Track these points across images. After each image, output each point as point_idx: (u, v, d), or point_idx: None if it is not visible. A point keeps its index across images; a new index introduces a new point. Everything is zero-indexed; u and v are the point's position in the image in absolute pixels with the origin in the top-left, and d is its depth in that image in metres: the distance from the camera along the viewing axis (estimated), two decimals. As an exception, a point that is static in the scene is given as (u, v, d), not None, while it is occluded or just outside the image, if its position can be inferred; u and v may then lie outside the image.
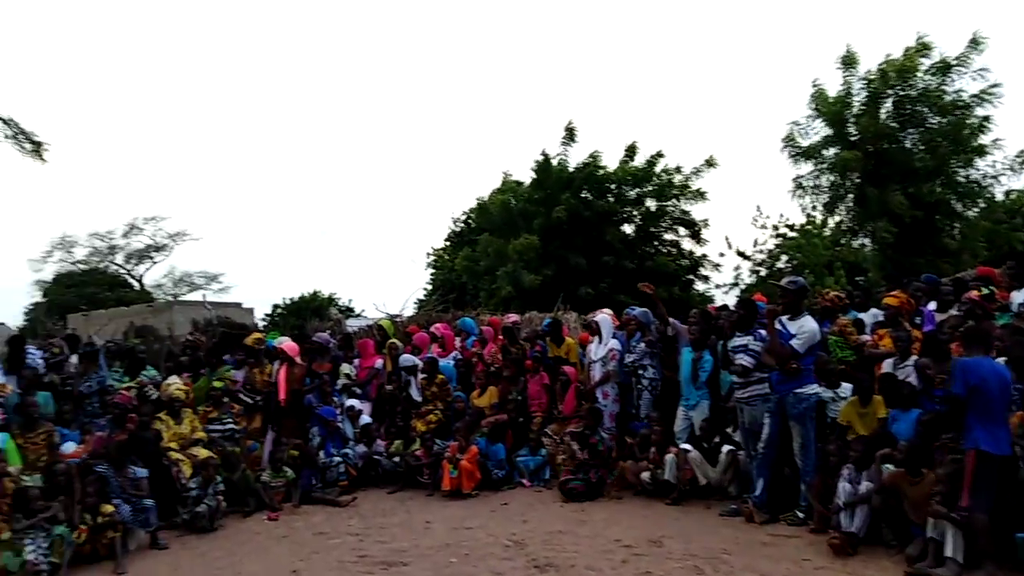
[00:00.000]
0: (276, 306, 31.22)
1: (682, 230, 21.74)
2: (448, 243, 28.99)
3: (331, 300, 33.16)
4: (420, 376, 9.31)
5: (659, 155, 21.17)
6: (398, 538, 6.48)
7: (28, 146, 10.09)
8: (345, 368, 9.70)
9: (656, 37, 77.33)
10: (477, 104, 76.10)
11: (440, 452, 8.26)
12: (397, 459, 8.57)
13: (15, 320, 29.98)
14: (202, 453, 7.59)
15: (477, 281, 21.95)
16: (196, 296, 33.00)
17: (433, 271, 28.65)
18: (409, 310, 14.85)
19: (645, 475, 7.40)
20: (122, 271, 37.42)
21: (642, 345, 8.26)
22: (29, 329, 23.91)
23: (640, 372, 8.20)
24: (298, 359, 8.99)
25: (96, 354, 8.56)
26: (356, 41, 76.26)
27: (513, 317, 10.59)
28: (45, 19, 54.66)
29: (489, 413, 8.81)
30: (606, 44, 75.33)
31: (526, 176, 22.06)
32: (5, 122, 9.89)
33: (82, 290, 32.44)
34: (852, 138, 17.04)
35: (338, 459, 8.37)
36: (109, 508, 6.17)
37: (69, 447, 7.05)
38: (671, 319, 8.40)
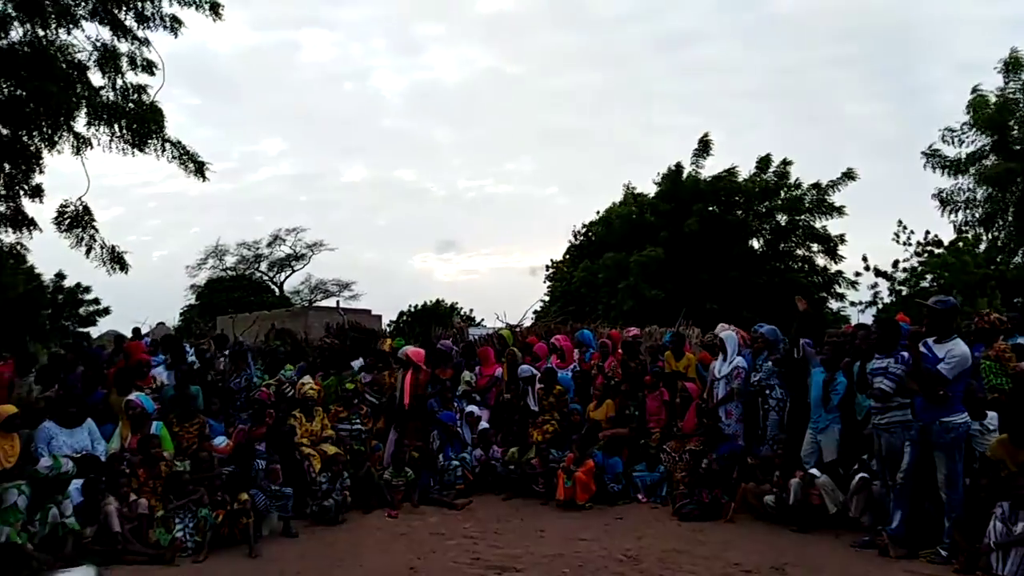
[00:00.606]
0: (402, 313, 32.53)
1: (815, 245, 20.68)
2: (568, 256, 29.08)
3: (453, 309, 34.12)
4: (538, 386, 9.38)
5: (787, 163, 20.28)
6: (511, 544, 6.54)
7: (192, 166, 11.07)
8: (466, 375, 9.94)
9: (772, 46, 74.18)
10: (598, 117, 75.96)
11: (556, 462, 8.27)
12: (512, 466, 8.67)
13: (172, 320, 32.94)
14: (331, 450, 8.02)
15: (596, 293, 21.87)
16: (330, 302, 35.03)
17: (552, 283, 28.82)
18: (528, 321, 14.99)
19: (769, 498, 7.07)
20: (265, 278, 40.30)
21: (769, 364, 7.93)
22: (184, 329, 26.20)
23: (767, 392, 7.87)
24: (422, 365, 9.32)
25: (245, 353, 9.27)
26: (476, 56, 78.29)
27: (633, 331, 10.47)
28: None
29: (605, 426, 8.74)
30: (724, 57, 73.11)
31: (649, 189, 21.81)
32: (173, 144, 10.90)
33: (230, 294, 35.23)
34: (1015, 147, 15.59)
35: (456, 463, 8.58)
36: (244, 496, 6.63)
37: (220, 441, 7.63)
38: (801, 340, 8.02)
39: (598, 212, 24.26)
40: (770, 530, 6.84)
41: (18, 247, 11.76)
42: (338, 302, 34.44)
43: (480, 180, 73.15)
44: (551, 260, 30.33)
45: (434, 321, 24.72)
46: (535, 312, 20.02)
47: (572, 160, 71.34)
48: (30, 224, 11.28)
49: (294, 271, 40.69)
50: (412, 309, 33.07)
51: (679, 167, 20.40)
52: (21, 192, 11.02)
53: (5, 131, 10.27)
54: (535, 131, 77.68)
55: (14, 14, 9.73)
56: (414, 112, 74.14)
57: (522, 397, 9.39)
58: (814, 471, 6.87)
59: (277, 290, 39.76)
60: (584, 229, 28.43)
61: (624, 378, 9.11)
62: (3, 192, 10.86)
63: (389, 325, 28.18)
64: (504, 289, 53.33)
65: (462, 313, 33.67)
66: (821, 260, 20.77)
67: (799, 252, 21.00)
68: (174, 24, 10.74)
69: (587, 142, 72.05)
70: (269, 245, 39.82)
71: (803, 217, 20.38)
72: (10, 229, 11.24)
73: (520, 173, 70.94)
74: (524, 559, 6.07)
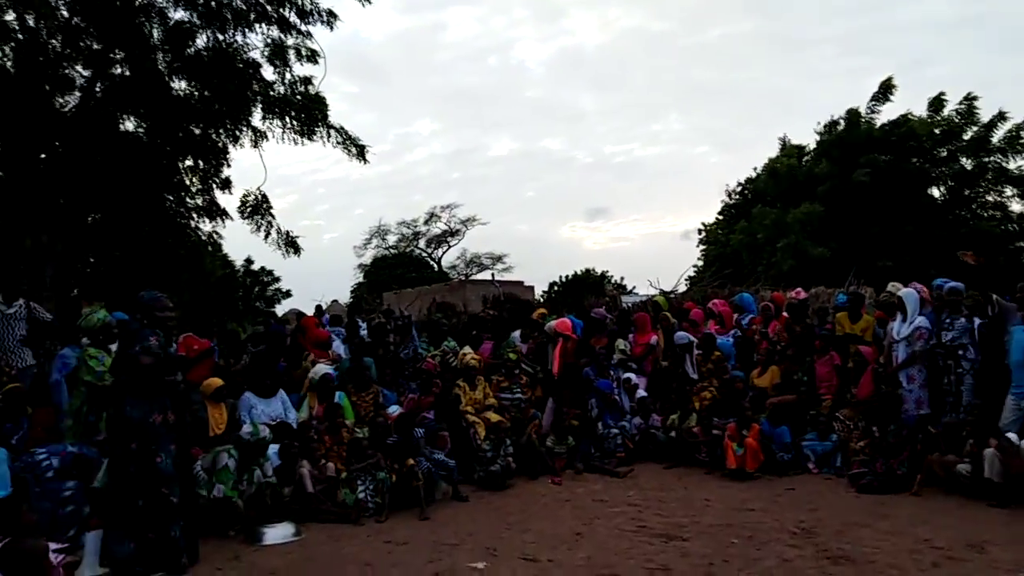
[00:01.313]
0: (553, 284, 32.86)
1: (1008, 189, 18.42)
2: (721, 217, 27.95)
3: (604, 277, 33.99)
4: (696, 353, 9.16)
5: (972, 99, 18.10)
6: (676, 513, 6.49)
7: (354, 150, 11.81)
8: (620, 343, 9.89)
9: None
10: (748, 69, 71.57)
11: (719, 429, 8.07)
12: (673, 433, 8.56)
13: (344, 298, 35.46)
14: (494, 417, 8.32)
15: (755, 255, 20.89)
16: (484, 275, 36.08)
17: (705, 247, 27.86)
18: (681, 287, 14.63)
19: (963, 467, 6.47)
20: (424, 254, 42.21)
21: (962, 321, 7.23)
22: (355, 305, 28.09)
23: (960, 353, 7.18)
24: (570, 334, 9.38)
25: (409, 327, 9.80)
26: (619, 16, 76.10)
27: (799, 292, 9.92)
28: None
29: (771, 394, 8.39)
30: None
31: (807, 140, 20.36)
32: (337, 131, 11.67)
33: (393, 271, 37.29)
34: None
35: (615, 431, 8.61)
36: (410, 461, 7.03)
37: (393, 409, 8.15)
38: (995, 296, 7.22)
39: (755, 168, 23.03)
40: (963, 504, 6.29)
41: (214, 235, 13.15)
42: (493, 274, 35.44)
43: (627, 144, 71.86)
44: (702, 223, 29.33)
45: (585, 290, 24.78)
46: (688, 278, 19.51)
47: (723, 116, 68.23)
48: (223, 214, 12.59)
49: (450, 246, 42.32)
50: (563, 279, 33.31)
51: (855, 114, 18.77)
52: (213, 185, 12.29)
53: (197, 130, 11.44)
54: (683, 89, 74.89)
55: (199, 23, 10.75)
56: (557, 80, 74.03)
57: (680, 364, 9.22)
58: (1011, 435, 6.21)
59: (436, 265, 41.53)
60: (739, 187, 27.18)
61: (790, 343, 8.67)
62: (199, 186, 12.19)
63: (542, 296, 28.59)
64: (655, 255, 52.43)
65: (613, 281, 33.47)
66: (1016, 205, 18.49)
67: (989, 198, 18.81)
68: (330, 18, 11.41)
69: (738, 96, 68.52)
70: (426, 222, 41.65)
71: (993, 159, 18.18)
72: (206, 219, 12.61)
73: (668, 133, 68.91)
74: (690, 528, 6.00)
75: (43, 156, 10.81)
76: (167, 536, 5.12)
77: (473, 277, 37.40)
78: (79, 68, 10.81)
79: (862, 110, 19.43)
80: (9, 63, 10.32)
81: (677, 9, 76.80)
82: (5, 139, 10.46)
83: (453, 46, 75.31)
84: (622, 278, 34.74)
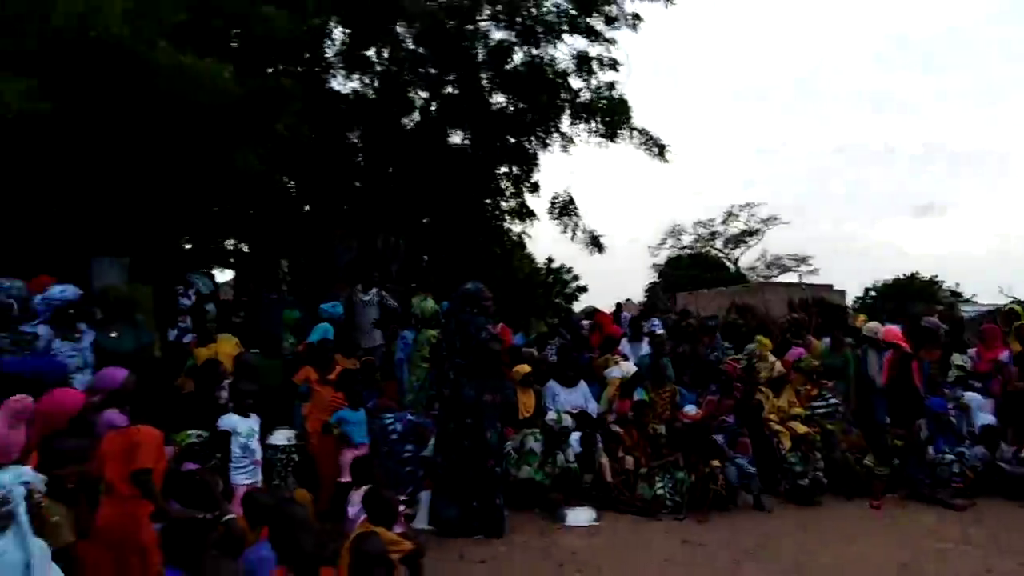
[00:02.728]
0: (868, 289, 29.61)
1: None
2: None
3: (933, 283, 29.70)
4: (1066, 374, 7.57)
5: None
6: (1027, 560, 5.43)
7: (655, 150, 11.97)
8: (957, 359, 8.59)
9: None
10: None
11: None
12: (1031, 469, 7.16)
13: (636, 296, 35.89)
14: (800, 428, 7.74)
15: None
16: (785, 278, 33.78)
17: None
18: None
19: None
20: (720, 255, 40.87)
21: None
22: (649, 304, 28.31)
23: None
24: (903, 343, 8.33)
25: (714, 328, 9.63)
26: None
27: None
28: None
29: None
30: None
31: None
32: (639, 132, 11.94)
33: (688, 272, 36.72)
34: None
35: (951, 457, 7.46)
36: (715, 463, 6.83)
37: (690, 409, 8.05)
38: None
39: None
40: None
41: (523, 235, 14.28)
42: (800, 276, 33.07)
43: (965, 132, 61.82)
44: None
45: (911, 296, 21.95)
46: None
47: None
48: (531, 215, 13.65)
49: (749, 247, 40.37)
50: (880, 284, 29.83)
51: None
52: (524, 189, 13.36)
53: (512, 139, 12.52)
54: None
55: (516, 40, 11.73)
56: (880, 65, 66.32)
57: (1041, 387, 7.68)
58: None
59: (732, 266, 39.98)
60: None
61: None
62: (512, 190, 13.35)
63: (855, 301, 25.96)
64: (1002, 258, 44.08)
65: (945, 288, 29.13)
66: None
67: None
68: (635, 20, 11.64)
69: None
70: (723, 222, 40.24)
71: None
72: (517, 220, 13.77)
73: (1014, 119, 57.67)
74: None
75: (390, 170, 12.68)
76: (492, 504, 5.69)
77: (773, 279, 35.23)
78: (418, 91, 12.46)
79: None
80: (370, 92, 12.31)
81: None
82: (367, 156, 12.50)
83: (751, 34, 71.57)
84: (957, 284, 30.10)
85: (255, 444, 5.39)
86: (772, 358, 8.77)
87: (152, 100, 6.14)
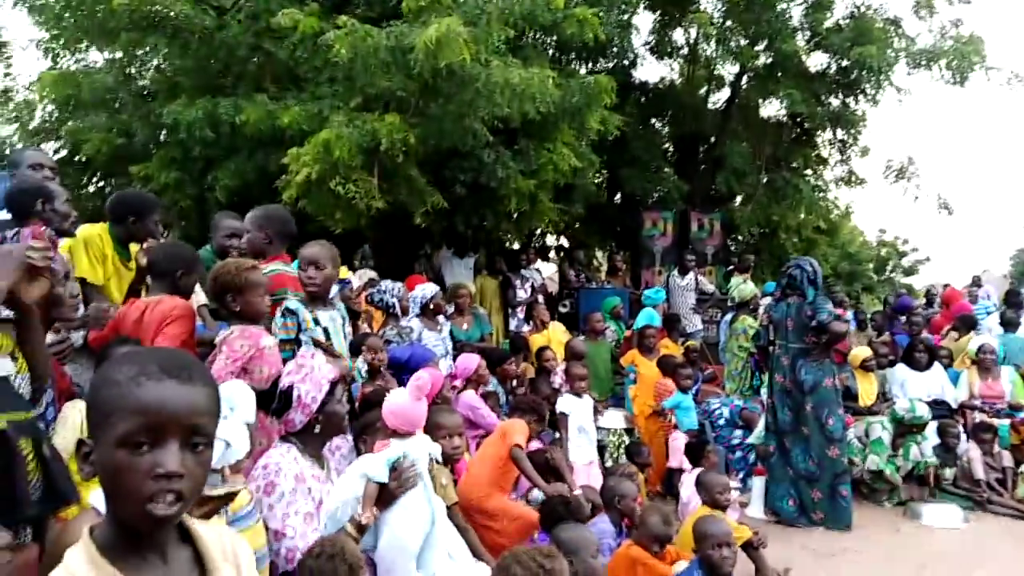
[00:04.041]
0: None
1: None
2: None
3: None
4: None
5: None
6: None
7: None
8: None
9: None
10: None
11: None
12: None
13: (1004, 268, 30.40)
14: None
15: None
16: None
17: None
18: None
19: None
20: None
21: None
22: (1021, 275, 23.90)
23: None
24: None
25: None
26: None
27: None
28: None
29: None
30: None
31: None
32: (996, 71, 10.19)
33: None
34: None
35: None
36: None
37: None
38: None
39: None
40: None
41: (849, 206, 13.03)
42: None
43: None
44: None
45: None
46: None
47: None
48: (861, 182, 12.44)
49: None
50: None
51: None
52: (851, 155, 12.23)
53: (835, 101, 11.50)
54: None
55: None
56: None
57: None
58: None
59: None
60: None
61: None
62: (840, 157, 12.33)
63: None
64: None
65: None
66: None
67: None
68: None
69: None
70: None
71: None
72: (845, 187, 12.67)
73: None
74: None
75: (700, 152, 12.47)
76: (836, 494, 5.39)
77: None
78: (727, 65, 12.00)
79: None
80: (677, 76, 12.22)
81: None
82: (674, 141, 12.49)
83: None
84: None
85: (590, 424, 5.77)
86: None
87: (490, 116, 6.81)
